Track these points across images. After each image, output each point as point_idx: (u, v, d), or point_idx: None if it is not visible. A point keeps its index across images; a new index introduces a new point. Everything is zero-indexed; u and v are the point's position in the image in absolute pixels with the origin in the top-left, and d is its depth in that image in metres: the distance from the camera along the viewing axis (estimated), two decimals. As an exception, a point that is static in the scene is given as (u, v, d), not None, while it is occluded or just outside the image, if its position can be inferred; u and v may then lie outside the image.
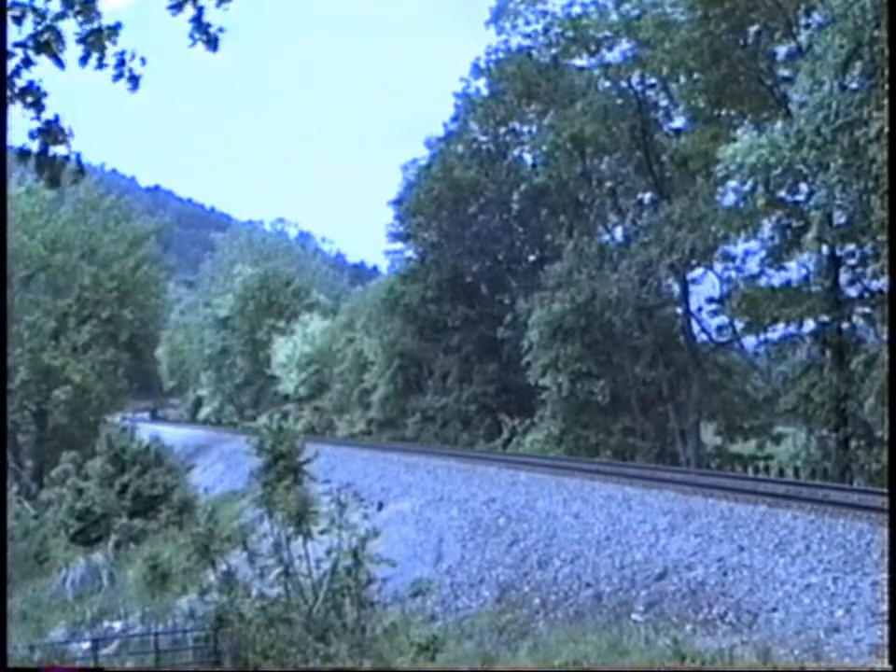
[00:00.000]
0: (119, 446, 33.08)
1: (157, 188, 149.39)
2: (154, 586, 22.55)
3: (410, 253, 47.22)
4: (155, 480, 32.21)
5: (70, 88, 6.49)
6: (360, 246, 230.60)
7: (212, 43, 6.83)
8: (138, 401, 76.13)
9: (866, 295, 26.01)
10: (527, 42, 37.44)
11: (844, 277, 26.62)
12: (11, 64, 6.35)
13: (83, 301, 52.66)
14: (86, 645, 17.83)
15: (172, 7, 6.72)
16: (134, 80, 6.72)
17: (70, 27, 6.54)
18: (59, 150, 6.51)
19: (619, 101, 34.52)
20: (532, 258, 44.34)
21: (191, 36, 6.79)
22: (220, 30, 6.84)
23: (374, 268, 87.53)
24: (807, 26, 25.33)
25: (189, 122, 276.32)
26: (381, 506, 25.19)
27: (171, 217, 71.74)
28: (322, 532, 15.68)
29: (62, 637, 19.76)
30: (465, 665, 13.97)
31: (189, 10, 6.74)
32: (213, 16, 6.79)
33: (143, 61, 6.70)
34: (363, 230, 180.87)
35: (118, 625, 20.52)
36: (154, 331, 66.65)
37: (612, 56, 34.98)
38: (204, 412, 73.32)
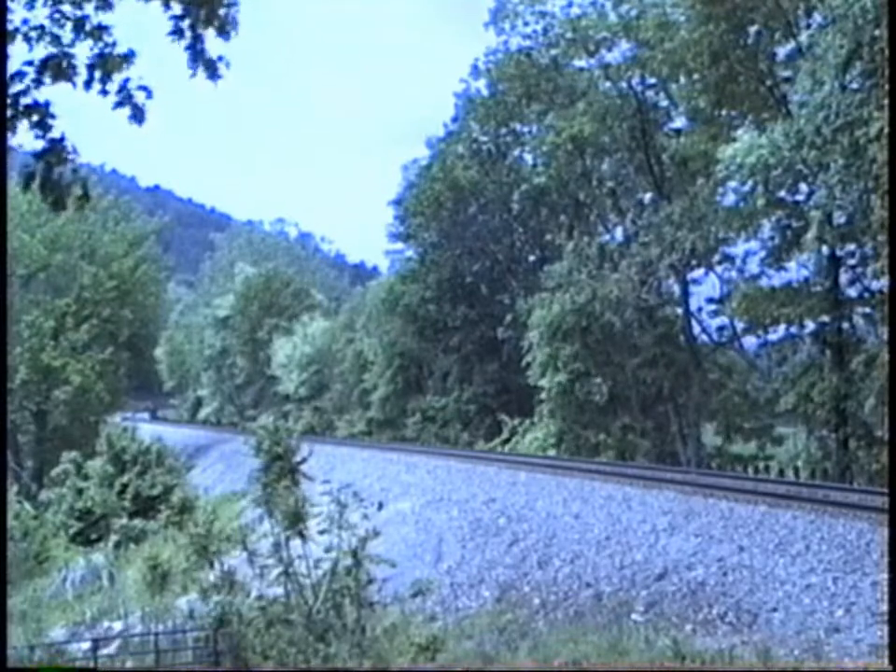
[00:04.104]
0: (120, 446, 33.09)
1: (157, 188, 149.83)
2: (154, 586, 22.54)
3: (410, 253, 47.33)
4: (155, 480, 32.22)
5: (69, 87, 6.36)
6: (360, 246, 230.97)
7: (211, 70, 6.59)
8: (138, 401, 76.21)
9: (866, 295, 25.98)
10: (527, 43, 37.44)
11: (844, 277, 26.58)
12: (22, 85, 6.16)
13: (83, 300, 52.72)
14: (86, 645, 17.79)
15: (172, 34, 6.52)
16: (138, 112, 6.42)
17: (82, 50, 6.36)
18: (63, 171, 6.29)
19: (619, 101, 34.49)
20: (532, 258, 44.33)
21: (191, 66, 6.55)
22: (220, 58, 6.63)
23: (374, 268, 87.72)
24: (808, 26, 25.33)
25: (189, 122, 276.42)
26: (381, 506, 25.00)
27: (171, 217, 71.61)
28: (322, 532, 15.64)
29: (62, 637, 19.72)
30: (465, 664, 13.96)
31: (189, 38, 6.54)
32: (213, 43, 6.60)
33: (148, 93, 6.43)
34: (363, 230, 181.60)
35: (117, 625, 20.49)
36: (154, 331, 66.74)
37: (612, 57, 35.04)
38: (204, 412, 73.23)
